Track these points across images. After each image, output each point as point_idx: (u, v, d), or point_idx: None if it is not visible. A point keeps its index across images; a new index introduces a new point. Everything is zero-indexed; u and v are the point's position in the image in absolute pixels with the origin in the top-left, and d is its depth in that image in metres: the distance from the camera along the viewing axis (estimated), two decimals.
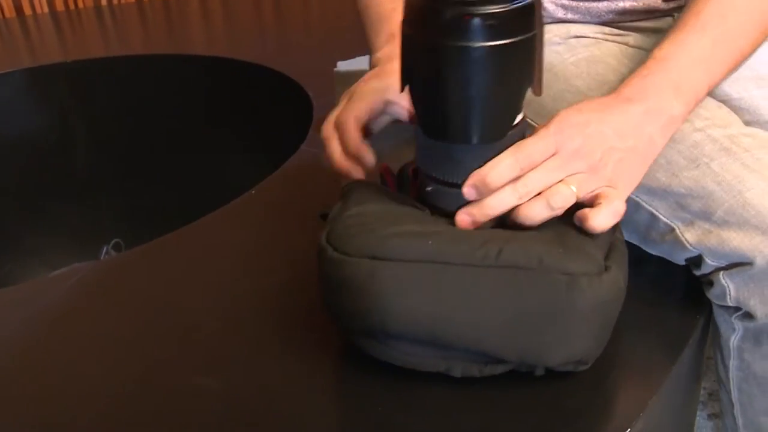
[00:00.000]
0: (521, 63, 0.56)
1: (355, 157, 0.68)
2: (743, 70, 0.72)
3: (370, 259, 0.57)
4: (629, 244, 0.66)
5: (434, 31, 0.55)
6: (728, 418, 0.79)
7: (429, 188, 0.62)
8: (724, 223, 0.65)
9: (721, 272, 0.66)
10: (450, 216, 0.61)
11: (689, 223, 0.68)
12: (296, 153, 1.08)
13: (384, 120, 0.70)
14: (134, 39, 1.84)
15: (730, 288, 0.66)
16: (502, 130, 0.58)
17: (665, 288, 0.74)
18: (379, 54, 0.76)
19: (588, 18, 0.88)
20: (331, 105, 0.73)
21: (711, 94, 0.70)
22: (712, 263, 0.67)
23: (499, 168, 0.58)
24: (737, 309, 0.67)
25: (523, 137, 0.60)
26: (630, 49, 0.84)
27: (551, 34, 0.86)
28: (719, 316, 0.71)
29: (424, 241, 0.57)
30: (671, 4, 0.86)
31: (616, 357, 0.64)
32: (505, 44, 0.54)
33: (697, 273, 0.70)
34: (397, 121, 0.70)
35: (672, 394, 0.66)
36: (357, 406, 0.61)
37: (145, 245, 0.87)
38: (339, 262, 0.59)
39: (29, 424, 0.61)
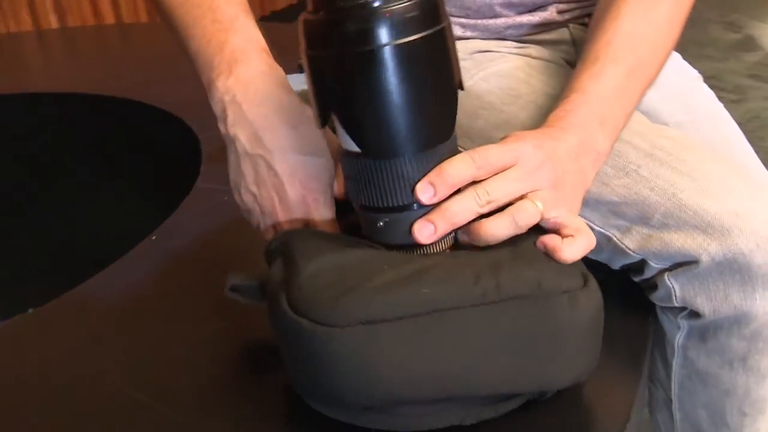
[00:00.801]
0: (445, 53, 0.55)
1: None
2: None
3: (362, 325, 0.50)
4: None
5: (354, 39, 0.51)
6: (662, 414, 0.81)
7: (381, 223, 0.57)
8: (663, 227, 0.66)
9: (666, 274, 0.68)
10: (409, 249, 0.57)
11: (626, 230, 0.69)
12: (192, 191, 1.01)
13: None
14: None
15: (675, 288, 0.67)
16: (449, 128, 0.56)
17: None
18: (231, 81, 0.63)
19: (487, 34, 0.88)
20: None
21: None
22: (657, 266, 0.68)
23: (455, 162, 0.55)
24: (682, 309, 0.69)
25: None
26: (534, 61, 0.86)
27: None
28: (662, 316, 0.72)
29: (416, 290, 0.51)
30: (566, 16, 0.88)
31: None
32: (426, 35, 0.52)
33: (638, 278, 0.71)
34: None
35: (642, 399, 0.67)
36: None
37: (46, 306, 0.79)
38: (324, 336, 0.50)
39: None
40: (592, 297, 0.54)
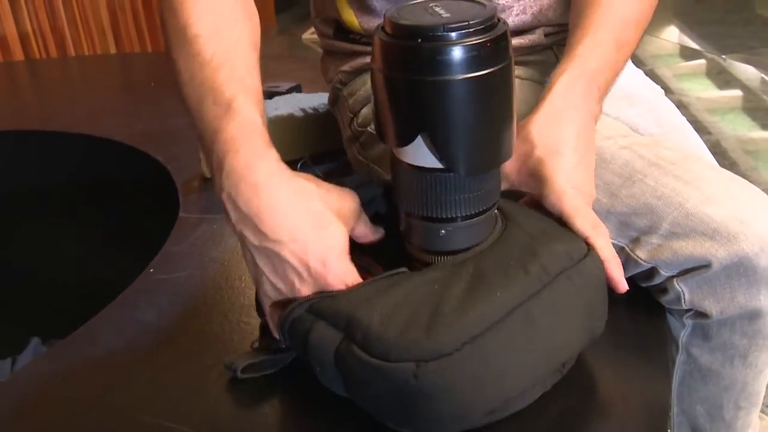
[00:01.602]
0: (512, 83, 0.60)
1: None
2: (614, 91, 0.78)
3: (467, 344, 0.54)
4: None
5: (457, 68, 0.55)
6: None
7: (443, 231, 0.61)
8: (671, 235, 0.70)
9: (675, 279, 0.72)
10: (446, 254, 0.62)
11: (637, 241, 0.73)
12: (177, 222, 1.01)
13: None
14: None
15: (684, 292, 0.72)
16: (512, 150, 0.61)
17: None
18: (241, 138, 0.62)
19: None
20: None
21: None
22: (666, 273, 0.72)
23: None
24: (688, 309, 0.73)
25: None
26: (523, 82, 0.90)
27: None
28: (667, 315, 0.76)
29: (491, 297, 0.56)
30: (552, 39, 0.93)
31: (619, 371, 0.68)
32: (503, 66, 0.57)
33: (647, 284, 0.75)
34: None
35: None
36: None
37: (60, 342, 0.77)
38: (438, 369, 0.53)
39: None
40: (596, 255, 0.63)
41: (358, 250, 0.65)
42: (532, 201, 0.68)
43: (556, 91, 0.70)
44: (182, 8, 0.69)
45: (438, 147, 0.57)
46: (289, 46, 4.69)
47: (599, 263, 0.63)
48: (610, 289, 0.64)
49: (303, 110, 1.17)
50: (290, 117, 1.15)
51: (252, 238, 0.60)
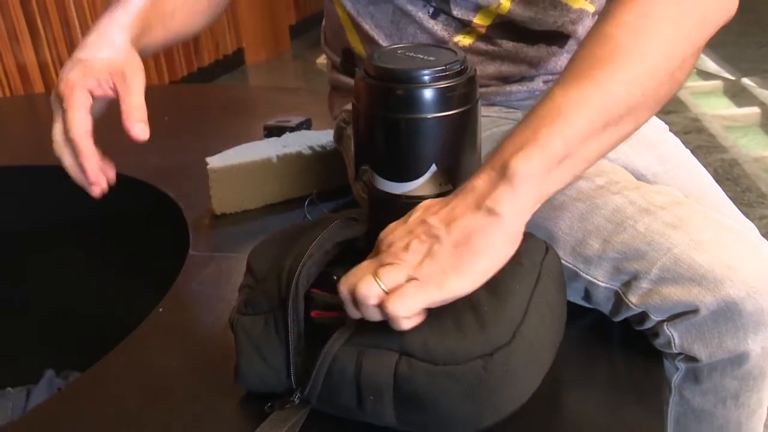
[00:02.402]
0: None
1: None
2: None
3: (518, 332, 0.63)
4: None
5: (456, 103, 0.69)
6: None
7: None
8: (660, 281, 0.72)
9: (665, 324, 0.74)
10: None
11: (628, 285, 0.75)
12: (186, 260, 1.04)
13: (100, 105, 0.83)
14: None
15: (674, 337, 0.73)
16: None
17: (602, 339, 0.81)
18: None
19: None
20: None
21: None
22: (656, 318, 0.74)
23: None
24: (680, 353, 0.75)
25: None
26: None
27: None
28: (664, 359, 0.78)
29: (513, 287, 0.65)
30: (550, 85, 0.95)
31: (612, 412, 0.70)
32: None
33: (639, 328, 0.77)
34: None
35: None
36: None
37: (73, 382, 0.80)
38: (503, 358, 0.61)
39: None
40: (552, 250, 0.73)
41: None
42: None
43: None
44: None
45: (451, 175, 0.69)
46: (303, 72, 4.76)
47: (558, 258, 0.74)
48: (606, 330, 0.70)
49: (311, 148, 1.20)
50: (298, 155, 1.18)
51: None
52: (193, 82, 4.23)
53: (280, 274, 0.68)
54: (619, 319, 0.78)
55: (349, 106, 1.02)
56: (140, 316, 0.90)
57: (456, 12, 0.88)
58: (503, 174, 0.60)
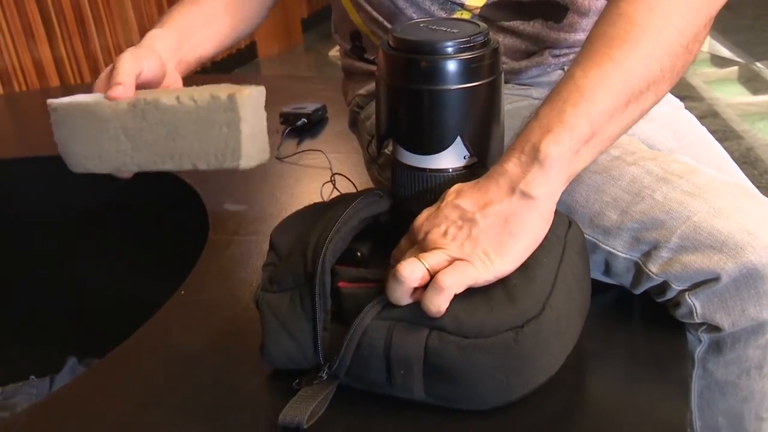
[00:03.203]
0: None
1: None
2: None
3: (546, 304, 0.63)
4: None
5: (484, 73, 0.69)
6: None
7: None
8: (681, 249, 0.72)
9: (686, 293, 0.73)
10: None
11: (648, 255, 0.74)
12: (207, 244, 1.04)
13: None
14: None
15: (696, 306, 0.73)
16: None
17: (623, 313, 0.80)
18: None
19: None
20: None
21: None
22: (678, 287, 0.73)
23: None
24: (702, 323, 0.75)
25: None
26: (536, 101, 0.92)
27: None
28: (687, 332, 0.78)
29: (541, 260, 0.65)
30: (561, 60, 0.95)
31: (636, 388, 0.70)
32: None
33: (661, 299, 0.77)
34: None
35: None
36: None
37: (98, 363, 0.80)
38: (534, 327, 0.62)
39: None
40: (575, 223, 0.74)
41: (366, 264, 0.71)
42: None
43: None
44: None
45: (474, 146, 0.70)
46: (315, 64, 4.77)
47: (580, 231, 0.73)
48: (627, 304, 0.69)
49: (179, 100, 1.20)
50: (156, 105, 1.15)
51: None
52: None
53: (305, 251, 0.69)
54: (639, 291, 0.78)
55: (362, 91, 1.03)
56: (162, 302, 0.91)
57: None
58: (534, 157, 0.63)
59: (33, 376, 1.38)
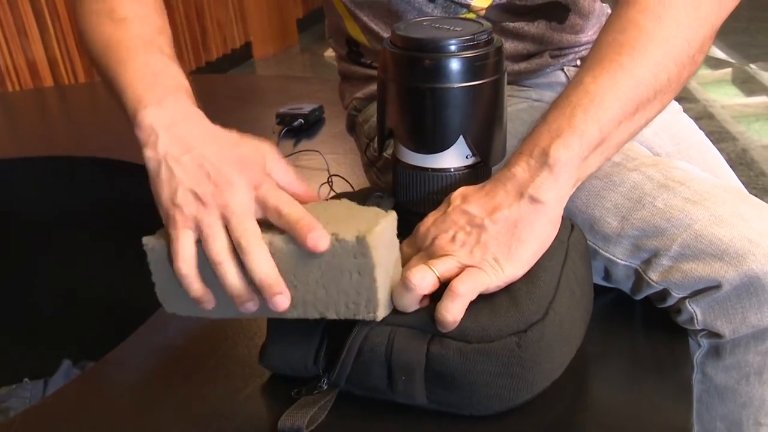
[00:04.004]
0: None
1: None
2: None
3: (550, 309, 0.63)
4: None
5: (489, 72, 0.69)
6: None
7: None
8: (681, 257, 0.72)
9: (687, 300, 0.73)
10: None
11: (648, 262, 0.74)
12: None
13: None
14: None
15: (697, 313, 0.73)
16: None
17: (624, 316, 0.80)
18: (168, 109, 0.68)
19: None
20: None
21: None
22: (678, 295, 0.73)
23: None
24: (702, 329, 0.74)
25: None
26: (535, 103, 0.91)
27: None
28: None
29: (544, 264, 0.65)
30: (560, 60, 0.94)
31: (638, 391, 0.70)
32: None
33: (661, 305, 0.76)
34: None
35: None
36: None
37: (91, 367, 0.79)
38: (538, 331, 0.61)
39: None
40: (577, 227, 0.73)
41: None
42: None
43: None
44: None
45: (477, 145, 0.69)
46: (311, 64, 4.76)
47: (583, 235, 0.73)
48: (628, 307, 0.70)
49: None
50: None
51: (180, 153, 0.64)
52: None
53: None
54: (640, 297, 0.77)
55: (359, 94, 1.02)
56: (158, 304, 0.90)
57: None
58: (543, 161, 0.62)
59: (27, 379, 1.37)
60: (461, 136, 0.69)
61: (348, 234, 0.59)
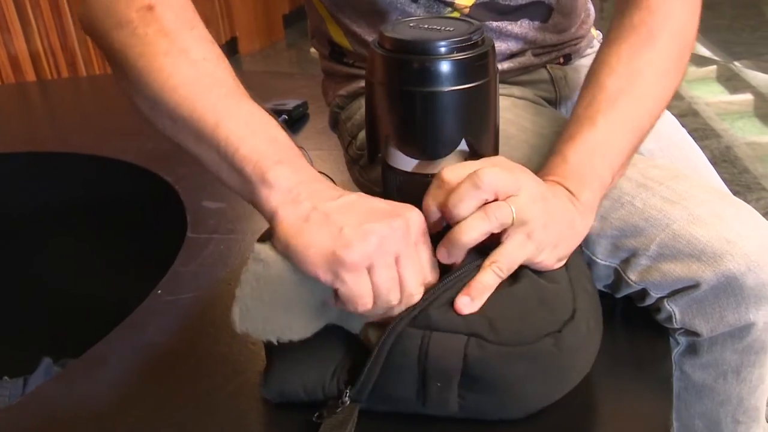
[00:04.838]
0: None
1: None
2: None
3: (574, 314, 0.63)
4: None
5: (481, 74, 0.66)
6: None
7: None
8: (660, 257, 0.72)
9: (665, 300, 0.73)
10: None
11: (627, 262, 0.74)
12: (185, 242, 1.03)
13: None
14: None
15: (675, 312, 0.73)
16: None
17: (605, 314, 0.80)
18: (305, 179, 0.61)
19: None
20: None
21: None
22: (656, 294, 0.73)
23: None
24: (681, 327, 0.75)
25: None
26: (518, 101, 0.91)
27: None
28: None
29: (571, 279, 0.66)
30: (543, 59, 0.95)
31: (619, 388, 0.70)
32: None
33: (641, 304, 0.77)
34: None
35: None
36: None
37: (71, 365, 0.79)
38: (570, 332, 0.61)
39: None
40: None
41: None
42: None
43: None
44: (174, 32, 0.66)
45: (478, 148, 0.67)
46: (297, 61, 4.74)
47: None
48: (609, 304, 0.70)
49: None
50: None
51: (359, 221, 0.57)
52: None
53: None
54: (620, 296, 0.78)
55: (342, 91, 1.02)
56: (139, 301, 0.90)
57: None
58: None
59: (6, 377, 1.36)
60: (463, 140, 0.67)
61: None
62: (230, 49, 4.73)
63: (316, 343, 0.62)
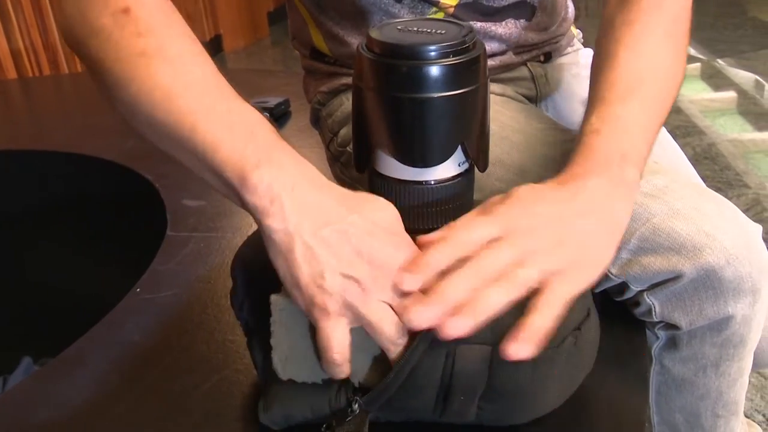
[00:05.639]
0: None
1: None
2: None
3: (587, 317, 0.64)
4: None
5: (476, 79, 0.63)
6: None
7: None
8: (640, 250, 0.72)
9: (645, 293, 0.73)
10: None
11: None
12: (164, 240, 1.03)
13: None
14: None
15: (655, 305, 0.73)
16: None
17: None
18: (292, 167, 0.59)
19: None
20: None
21: None
22: (636, 288, 0.74)
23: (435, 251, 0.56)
24: (660, 321, 0.75)
25: None
26: (497, 97, 0.92)
27: None
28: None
29: None
30: (524, 57, 0.95)
31: (595, 382, 0.69)
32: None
33: (619, 299, 0.77)
34: None
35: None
36: None
37: (48, 364, 0.79)
38: (587, 333, 0.63)
39: None
40: None
41: None
42: None
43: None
44: (149, 32, 0.62)
45: (471, 152, 0.65)
46: (282, 58, 4.73)
47: None
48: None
49: None
50: None
51: (317, 226, 0.55)
52: None
53: None
54: (599, 290, 0.78)
55: (323, 88, 1.01)
56: (120, 298, 0.89)
57: None
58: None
59: None
60: (458, 146, 0.64)
61: None
62: (215, 46, 4.71)
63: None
